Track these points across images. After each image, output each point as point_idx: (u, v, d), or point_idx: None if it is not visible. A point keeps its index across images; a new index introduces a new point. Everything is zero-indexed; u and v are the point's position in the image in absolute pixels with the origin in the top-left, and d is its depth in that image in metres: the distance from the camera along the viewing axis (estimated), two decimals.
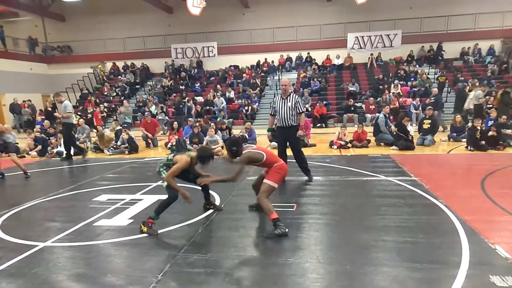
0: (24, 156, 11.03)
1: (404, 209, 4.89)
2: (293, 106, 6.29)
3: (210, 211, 5.05)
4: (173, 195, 4.42)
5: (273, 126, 6.95)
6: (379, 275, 3.20)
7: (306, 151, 10.08)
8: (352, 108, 16.50)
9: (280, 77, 20.66)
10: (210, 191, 5.18)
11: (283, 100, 6.38)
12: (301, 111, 6.40)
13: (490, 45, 20.19)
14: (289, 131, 6.47)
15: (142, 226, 4.38)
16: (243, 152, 4.45)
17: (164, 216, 4.90)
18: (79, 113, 18.92)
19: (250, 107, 17.54)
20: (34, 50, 24.47)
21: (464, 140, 10.22)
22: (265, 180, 4.41)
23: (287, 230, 4.12)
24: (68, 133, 10.10)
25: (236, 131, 12.16)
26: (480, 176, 6.51)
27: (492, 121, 10.56)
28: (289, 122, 6.40)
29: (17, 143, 11.69)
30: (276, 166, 4.45)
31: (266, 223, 4.61)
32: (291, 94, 6.43)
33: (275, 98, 6.59)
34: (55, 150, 10.79)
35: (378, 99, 16.67)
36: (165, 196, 5.19)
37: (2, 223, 4.92)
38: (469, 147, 9.47)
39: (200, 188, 4.97)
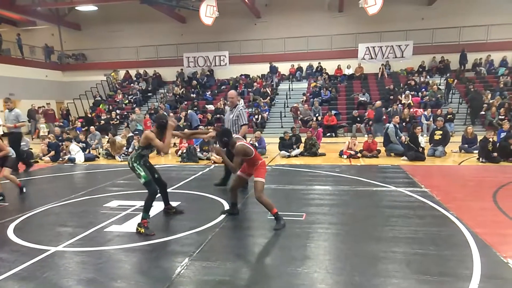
0: (38, 162, 11.22)
1: (414, 221, 4.85)
2: (235, 117, 6.49)
3: (220, 218, 5.07)
4: (153, 190, 4.63)
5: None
6: (388, 287, 3.17)
7: (315, 160, 10.13)
8: (359, 119, 16.42)
9: (291, 87, 20.76)
10: (219, 199, 5.22)
11: (230, 111, 6.60)
12: (243, 123, 6.56)
13: (503, 56, 20.01)
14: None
15: (139, 228, 4.51)
16: (237, 143, 4.66)
17: (173, 223, 4.95)
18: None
19: (260, 116, 17.60)
20: (50, 58, 25.02)
21: (476, 151, 10.09)
22: (256, 179, 4.67)
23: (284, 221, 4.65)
24: (18, 144, 9.19)
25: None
26: (492, 189, 6.42)
27: (505, 133, 10.42)
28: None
29: (31, 149, 11.93)
30: (261, 163, 4.79)
31: (276, 232, 4.62)
32: (237, 106, 6.61)
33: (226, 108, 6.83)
34: (67, 157, 10.96)
35: (389, 109, 16.61)
36: (173, 203, 5.28)
37: (15, 227, 5.00)
38: (480, 159, 9.35)
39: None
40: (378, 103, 14.43)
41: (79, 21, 25.31)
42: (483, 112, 15.72)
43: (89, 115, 17.42)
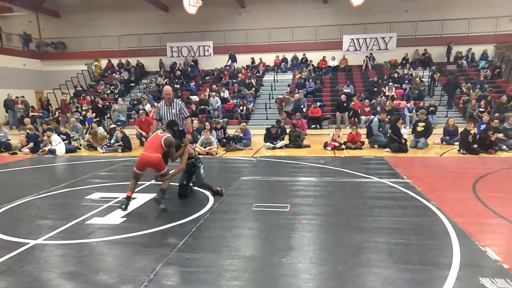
0: (16, 153, 10.92)
1: (396, 211, 4.93)
2: (178, 112, 6.50)
3: (204, 210, 5.04)
4: None
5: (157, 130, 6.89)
6: (371, 276, 3.22)
7: (300, 152, 10.18)
8: (345, 104, 16.20)
9: (276, 78, 20.72)
10: (204, 191, 5.22)
11: (168, 107, 6.53)
12: (186, 116, 6.62)
13: (484, 49, 20.41)
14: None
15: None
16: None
17: (157, 215, 4.89)
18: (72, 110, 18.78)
19: (245, 107, 17.54)
20: (28, 46, 24.23)
21: (457, 143, 10.31)
22: None
23: (123, 207, 5.05)
24: None
25: (231, 131, 12.16)
26: (472, 179, 6.58)
27: (485, 125, 10.66)
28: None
29: (9, 140, 11.60)
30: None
31: (260, 223, 4.63)
32: (175, 101, 6.61)
33: (159, 104, 6.76)
34: (47, 148, 10.68)
35: (373, 101, 16.77)
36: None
37: None
38: (461, 151, 9.56)
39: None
40: (297, 95, 14.70)
41: (57, 8, 24.55)
42: (469, 107, 15.99)
43: (99, 105, 16.83)
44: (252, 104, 18.27)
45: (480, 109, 15.02)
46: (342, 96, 16.63)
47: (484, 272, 3.23)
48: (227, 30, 22.58)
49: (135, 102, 18.76)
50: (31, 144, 10.87)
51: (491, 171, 7.31)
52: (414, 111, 15.21)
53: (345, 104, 16.25)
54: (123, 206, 5.06)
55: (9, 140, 11.62)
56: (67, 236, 4.26)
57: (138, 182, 5.42)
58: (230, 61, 22.36)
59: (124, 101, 18.07)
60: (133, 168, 5.25)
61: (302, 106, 16.31)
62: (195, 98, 19.08)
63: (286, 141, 11.16)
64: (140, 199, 5.63)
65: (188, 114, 6.71)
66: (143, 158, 5.13)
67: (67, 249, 3.91)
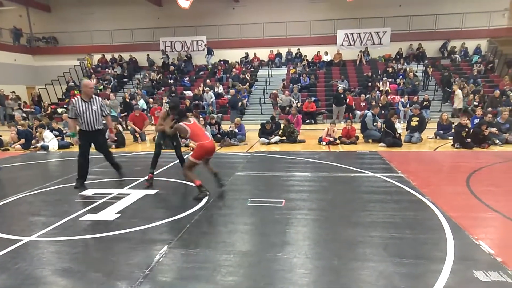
0: (8, 149, 10.80)
1: (391, 205, 4.94)
2: (99, 109, 6.07)
3: (199, 205, 5.02)
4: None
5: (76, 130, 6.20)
6: (365, 270, 3.23)
7: (295, 147, 10.17)
8: (342, 96, 16.02)
9: (270, 73, 20.67)
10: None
11: (86, 103, 5.95)
12: (106, 113, 6.28)
13: (477, 44, 20.51)
14: (96, 134, 6.18)
15: None
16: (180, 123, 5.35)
17: (152, 211, 4.87)
18: (64, 106, 18.62)
19: (239, 103, 17.47)
20: (19, 41, 23.89)
21: (451, 138, 10.36)
22: (188, 156, 5.36)
23: (208, 193, 5.32)
24: None
25: (226, 126, 12.11)
26: (465, 174, 6.62)
27: (478, 119, 10.72)
28: (95, 126, 6.08)
29: (1, 136, 11.47)
30: (198, 144, 5.23)
31: (255, 218, 4.63)
32: (94, 97, 6.09)
33: (74, 100, 6.02)
34: (39, 144, 10.57)
35: (367, 96, 16.80)
36: (151, 191, 5.21)
37: None
38: (455, 145, 9.61)
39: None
40: (232, 91, 15.12)
41: (48, 2, 24.21)
42: (465, 102, 16.04)
43: (127, 100, 16.63)
44: (246, 99, 18.22)
45: (474, 103, 15.12)
46: (340, 88, 16.59)
47: (478, 265, 3.25)
48: (221, 24, 22.43)
49: (129, 98, 18.59)
50: (22, 141, 10.76)
51: (485, 165, 7.36)
52: (408, 106, 15.26)
53: (342, 96, 16.11)
54: (204, 195, 5.29)
55: (1, 136, 11.49)
56: (61, 232, 4.22)
57: (131, 178, 5.39)
58: (208, 55, 22.28)
59: (117, 96, 17.90)
60: (191, 161, 5.27)
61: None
62: (189, 93, 18.97)
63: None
64: (134, 195, 5.60)
65: (108, 113, 6.33)
66: (210, 146, 5.34)
67: (60, 246, 3.87)
